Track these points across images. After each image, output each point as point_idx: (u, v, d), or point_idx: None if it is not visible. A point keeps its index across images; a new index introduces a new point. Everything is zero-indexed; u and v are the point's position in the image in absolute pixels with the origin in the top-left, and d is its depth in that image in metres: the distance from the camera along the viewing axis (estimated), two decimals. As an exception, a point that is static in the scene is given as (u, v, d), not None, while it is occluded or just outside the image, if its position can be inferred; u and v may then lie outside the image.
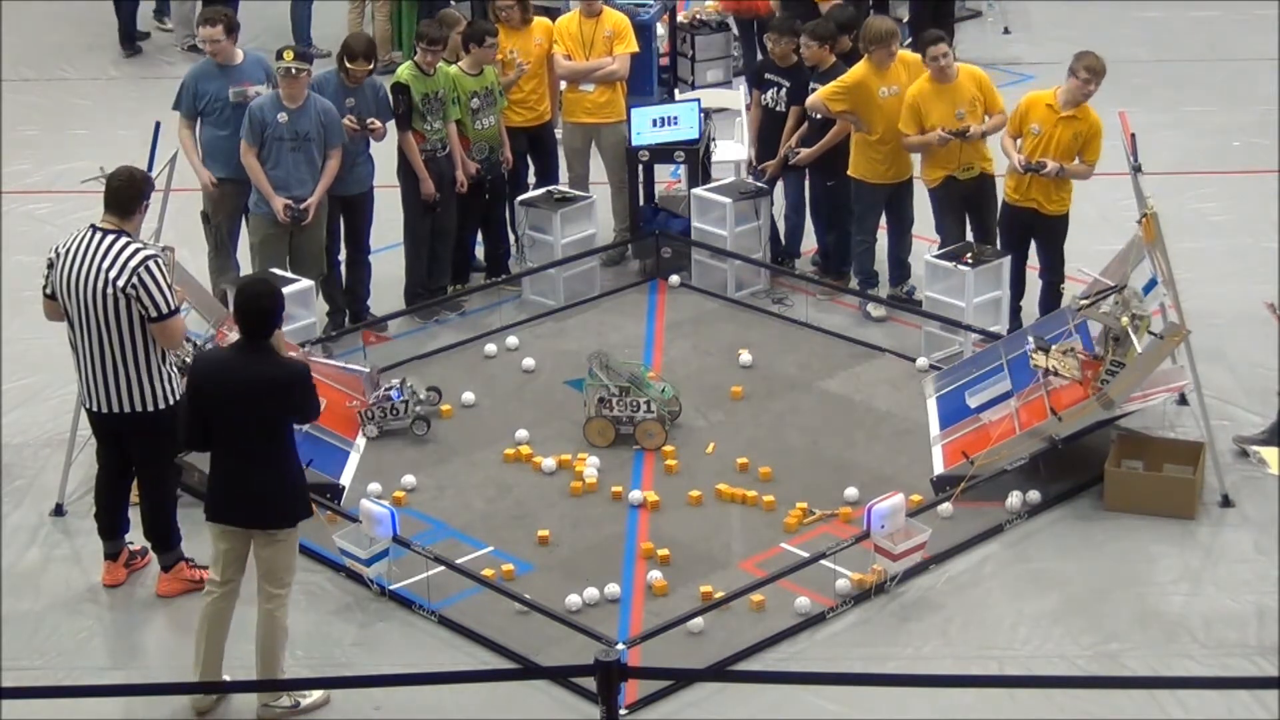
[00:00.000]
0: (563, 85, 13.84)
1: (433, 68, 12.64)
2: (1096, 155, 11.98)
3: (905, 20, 17.25)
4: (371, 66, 12.41)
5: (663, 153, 13.58)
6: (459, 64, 12.88)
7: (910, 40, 16.48)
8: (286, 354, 9.25)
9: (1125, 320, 10.43)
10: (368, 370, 11.77)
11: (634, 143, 13.48)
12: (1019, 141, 12.04)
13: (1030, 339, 10.96)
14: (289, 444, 9.02)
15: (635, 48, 13.77)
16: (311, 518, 9.21)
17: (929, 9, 16.68)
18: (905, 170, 12.79)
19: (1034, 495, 10.58)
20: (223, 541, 9.08)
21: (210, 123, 12.43)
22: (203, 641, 9.12)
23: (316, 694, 9.21)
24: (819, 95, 12.68)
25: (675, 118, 13.55)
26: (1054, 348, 10.73)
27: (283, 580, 9.11)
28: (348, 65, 12.38)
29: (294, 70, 11.92)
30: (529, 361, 12.30)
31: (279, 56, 12.04)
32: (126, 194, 9.67)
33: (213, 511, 9.09)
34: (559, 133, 14.01)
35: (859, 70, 12.57)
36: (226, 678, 9.26)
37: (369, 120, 12.35)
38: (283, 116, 12.02)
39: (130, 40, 18.83)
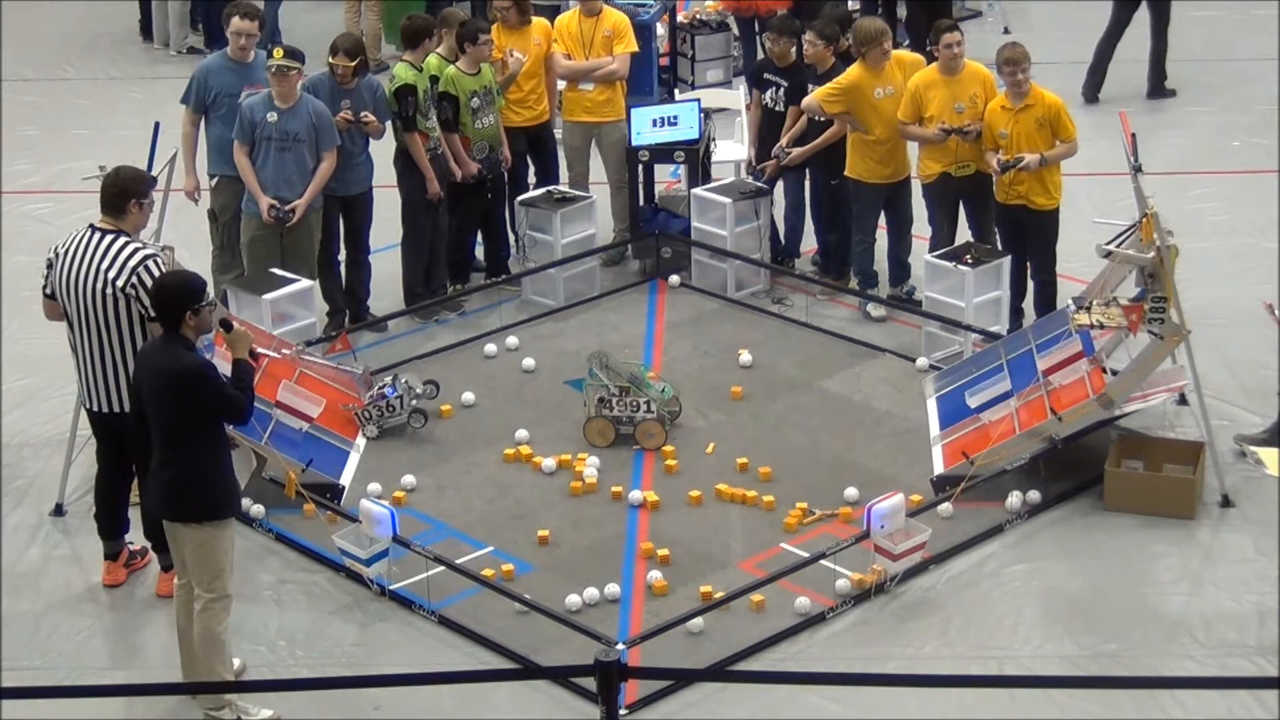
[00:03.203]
0: (562, 85, 13.84)
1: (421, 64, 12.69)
2: (1071, 131, 12.03)
3: (902, 19, 17.27)
4: (355, 64, 12.32)
5: (663, 153, 13.57)
6: (457, 64, 12.87)
7: (907, 41, 16.51)
8: (247, 353, 9.01)
9: (1153, 254, 10.39)
10: (359, 371, 11.75)
11: (634, 143, 13.47)
12: (999, 153, 12.07)
13: (1070, 302, 10.93)
14: (195, 439, 8.80)
15: (635, 47, 13.76)
16: (224, 520, 8.91)
17: (924, 8, 16.71)
18: (903, 170, 12.79)
19: (1034, 495, 10.58)
20: (169, 534, 9.13)
21: (220, 120, 12.35)
22: (179, 641, 9.16)
23: (267, 712, 9.05)
24: (814, 97, 12.68)
25: (675, 118, 13.54)
26: (1094, 302, 10.69)
27: (205, 584, 8.94)
28: (329, 60, 12.38)
29: (284, 69, 11.88)
30: (529, 361, 12.29)
31: (269, 55, 12.01)
32: (111, 193, 9.68)
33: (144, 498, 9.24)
34: (559, 132, 14.00)
35: (854, 72, 12.57)
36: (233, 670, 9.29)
37: (363, 113, 12.33)
38: (272, 116, 11.97)
39: (150, 32, 18.98)
